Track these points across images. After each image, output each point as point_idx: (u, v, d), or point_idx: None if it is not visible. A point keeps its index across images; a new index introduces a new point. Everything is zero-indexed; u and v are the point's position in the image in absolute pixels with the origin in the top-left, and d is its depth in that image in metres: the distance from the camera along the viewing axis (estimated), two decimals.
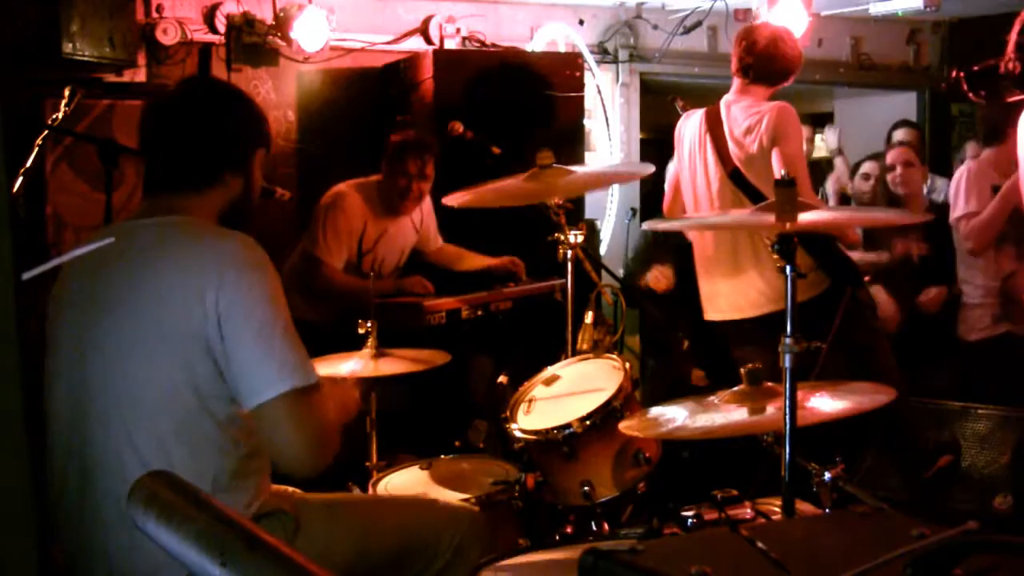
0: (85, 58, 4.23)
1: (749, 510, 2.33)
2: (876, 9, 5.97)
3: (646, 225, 3.79)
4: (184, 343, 1.99)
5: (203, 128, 2.21)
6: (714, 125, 3.82)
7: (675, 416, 2.31)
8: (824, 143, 6.58)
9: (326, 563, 2.01)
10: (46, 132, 3.53)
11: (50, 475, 2.13)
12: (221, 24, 5.09)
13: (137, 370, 2.01)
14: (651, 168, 3.30)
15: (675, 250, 4.32)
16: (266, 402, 1.99)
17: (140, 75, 4.95)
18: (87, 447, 2.05)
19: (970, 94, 3.05)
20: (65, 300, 2.16)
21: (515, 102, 4.76)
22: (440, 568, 2.30)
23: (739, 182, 3.73)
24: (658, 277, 4.41)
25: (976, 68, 3.01)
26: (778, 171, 3.54)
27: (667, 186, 4.14)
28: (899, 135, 5.48)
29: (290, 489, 2.30)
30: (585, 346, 2.98)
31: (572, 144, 4.97)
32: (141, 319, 2.02)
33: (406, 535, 2.31)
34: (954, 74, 3.07)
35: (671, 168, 4.17)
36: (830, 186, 5.70)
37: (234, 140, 2.24)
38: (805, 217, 2.14)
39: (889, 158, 4.93)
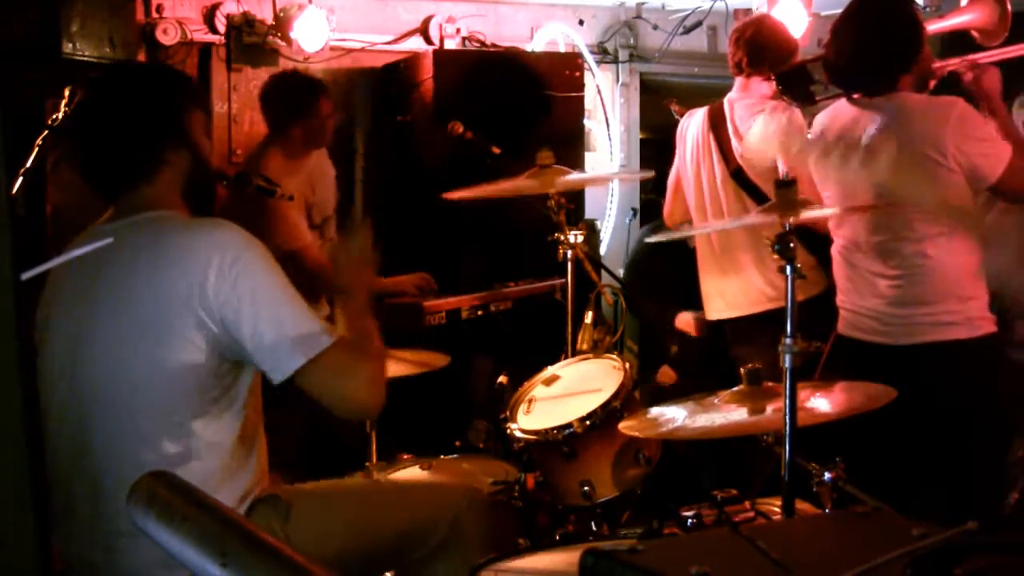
0: (85, 58, 4.23)
1: (749, 510, 2.33)
2: None
3: (651, 238, 3.74)
4: (184, 337, 2.00)
5: (120, 119, 2.20)
6: (717, 123, 3.82)
7: (675, 416, 2.31)
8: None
9: (322, 552, 2.02)
10: (46, 132, 3.53)
11: (50, 476, 2.13)
12: (221, 24, 5.08)
13: (137, 369, 2.02)
14: (650, 173, 3.30)
15: (672, 257, 4.26)
16: (297, 371, 2.02)
17: None
18: (87, 447, 2.06)
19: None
20: (57, 303, 2.15)
21: (515, 102, 4.75)
22: (438, 543, 2.27)
23: (741, 181, 3.73)
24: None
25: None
26: (781, 170, 3.54)
27: (668, 187, 4.13)
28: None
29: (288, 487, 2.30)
30: (585, 346, 2.98)
31: (572, 144, 4.96)
32: (139, 317, 2.02)
33: (402, 520, 2.29)
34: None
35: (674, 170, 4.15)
36: None
37: (155, 116, 2.20)
38: (806, 215, 2.14)
39: None
